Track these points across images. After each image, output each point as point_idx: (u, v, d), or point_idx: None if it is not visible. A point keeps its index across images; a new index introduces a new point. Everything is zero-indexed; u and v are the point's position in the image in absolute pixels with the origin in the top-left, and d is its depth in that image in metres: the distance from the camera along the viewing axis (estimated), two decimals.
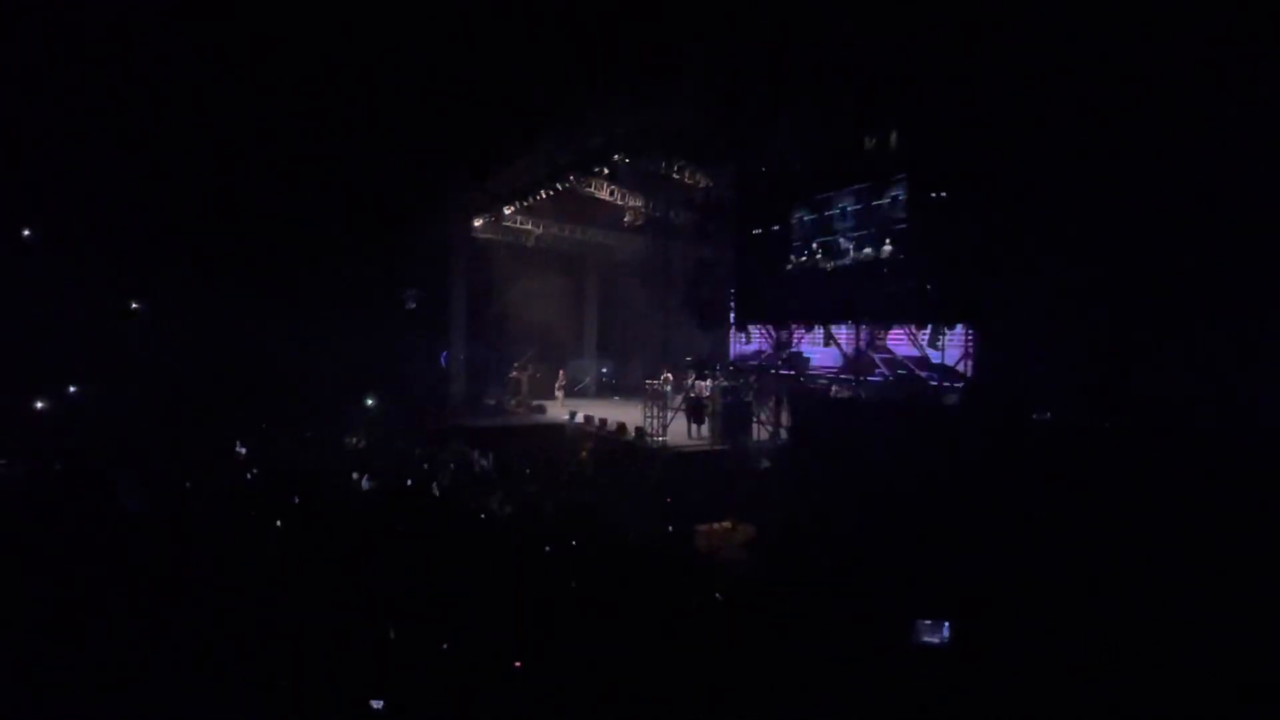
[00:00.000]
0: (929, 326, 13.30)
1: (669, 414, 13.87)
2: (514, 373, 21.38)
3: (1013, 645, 4.59)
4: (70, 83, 18.53)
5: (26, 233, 19.55)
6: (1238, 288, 8.37)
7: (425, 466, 12.97)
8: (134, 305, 21.11)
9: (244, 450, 15.07)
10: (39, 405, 18.87)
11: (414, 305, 22.06)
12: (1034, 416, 9.50)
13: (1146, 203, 8.82)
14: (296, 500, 9.83)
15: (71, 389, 19.91)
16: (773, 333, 15.64)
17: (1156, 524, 6.76)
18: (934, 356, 12.99)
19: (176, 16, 17.51)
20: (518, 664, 4.60)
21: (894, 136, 11.85)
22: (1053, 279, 9.72)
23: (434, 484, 11.75)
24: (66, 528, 7.44)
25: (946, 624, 4.54)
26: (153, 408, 19.63)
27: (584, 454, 13.57)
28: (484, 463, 13.51)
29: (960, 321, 12.35)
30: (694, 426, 13.94)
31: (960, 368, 12.23)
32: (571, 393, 21.52)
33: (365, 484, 11.22)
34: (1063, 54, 9.17)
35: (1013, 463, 8.66)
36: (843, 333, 14.43)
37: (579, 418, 16.61)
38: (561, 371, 21.38)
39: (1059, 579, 5.96)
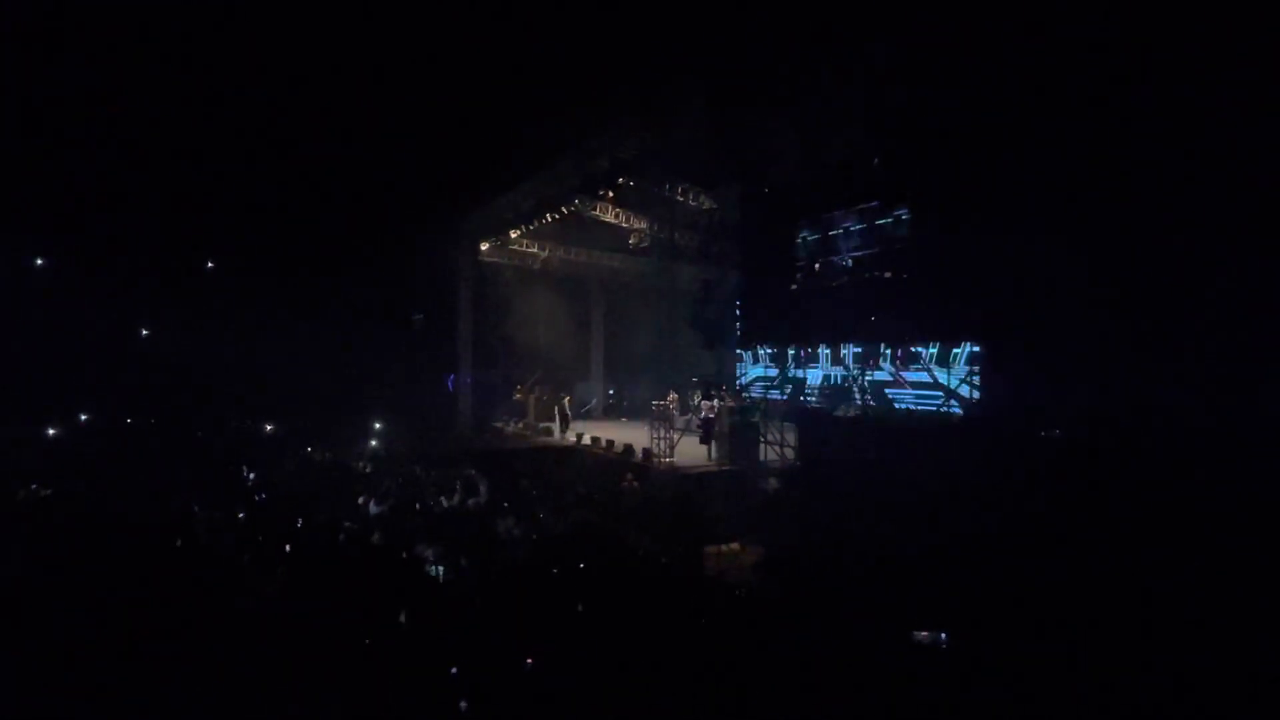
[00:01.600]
0: (935, 346, 13.29)
1: (675, 435, 13.85)
2: (517, 395, 21.41)
3: (1024, 661, 4.55)
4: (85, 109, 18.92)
5: (40, 262, 19.83)
6: (1247, 303, 8.35)
7: (432, 490, 12.99)
8: (144, 332, 21.30)
9: (252, 475, 15.14)
10: (51, 432, 19.02)
11: (419, 317, 22.15)
12: (1043, 434, 9.45)
13: (1154, 218, 8.83)
14: (301, 523, 9.87)
15: (83, 416, 20.07)
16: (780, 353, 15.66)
17: (1166, 540, 6.70)
18: (940, 376, 12.98)
19: (195, 47, 17.91)
20: (529, 660, 4.59)
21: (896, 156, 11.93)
22: (1059, 296, 9.71)
23: (439, 507, 11.76)
24: (80, 551, 7.50)
25: (943, 635, 4.52)
26: (162, 433, 19.78)
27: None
28: (490, 485, 13.50)
29: (966, 340, 12.33)
30: (708, 447, 13.89)
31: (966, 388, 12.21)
32: (578, 414, 21.49)
33: (373, 508, 11.23)
34: (1063, 70, 9.25)
35: (1022, 481, 8.60)
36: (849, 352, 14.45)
37: (585, 439, 16.61)
38: (569, 398, 21.37)
39: (1069, 596, 5.91)
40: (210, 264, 22.74)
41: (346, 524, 9.88)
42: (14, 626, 5.23)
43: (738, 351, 17.35)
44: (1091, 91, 9.13)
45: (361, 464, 17.15)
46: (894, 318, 12.13)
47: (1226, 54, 8.15)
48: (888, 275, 12.18)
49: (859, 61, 11.33)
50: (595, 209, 17.63)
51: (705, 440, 14.01)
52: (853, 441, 11.87)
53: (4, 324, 18.65)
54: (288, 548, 8.80)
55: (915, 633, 4.65)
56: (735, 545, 10.22)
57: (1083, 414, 9.25)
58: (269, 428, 21.81)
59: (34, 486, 12.61)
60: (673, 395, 16.38)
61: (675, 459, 13.31)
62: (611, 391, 24.65)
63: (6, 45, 16.84)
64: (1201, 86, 8.34)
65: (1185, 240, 8.63)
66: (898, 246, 12.10)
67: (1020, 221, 10.00)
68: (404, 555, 8.35)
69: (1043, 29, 9.38)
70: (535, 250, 21.46)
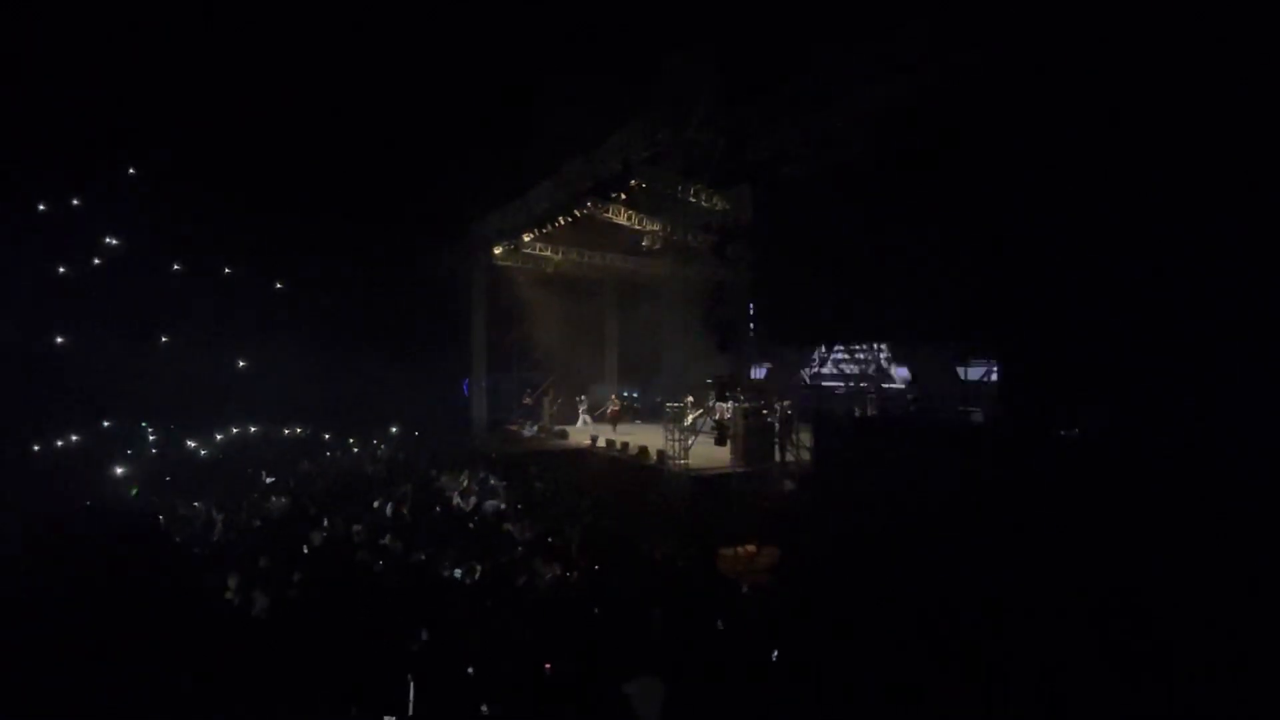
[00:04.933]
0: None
1: (690, 437, 13.80)
2: (527, 399, 21.46)
3: (1042, 662, 4.48)
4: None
5: (62, 269, 20.12)
6: (1266, 304, 8.19)
7: (446, 494, 13.03)
8: (163, 339, 21.55)
9: (271, 479, 15.27)
10: (75, 439, 19.29)
11: None
12: (1062, 433, 9.33)
13: (1174, 217, 8.70)
14: (325, 522, 9.93)
15: (105, 423, 20.33)
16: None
17: (1187, 540, 6.58)
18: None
19: (206, 49, 18.13)
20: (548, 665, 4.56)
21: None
22: (1077, 297, 9.59)
23: (456, 511, 11.77)
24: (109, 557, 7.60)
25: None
26: (180, 440, 20.01)
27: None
28: (505, 488, 13.51)
29: (984, 339, 12.21)
30: (726, 448, 13.81)
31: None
32: (593, 416, 21.46)
33: (388, 510, 11.26)
34: (1077, 75, 9.15)
35: (1041, 480, 8.49)
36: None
37: (600, 442, 16.60)
38: (584, 396, 21.38)
39: (1089, 596, 5.82)
40: (227, 270, 22.97)
41: (357, 527, 9.92)
42: (34, 632, 5.29)
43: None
44: (1106, 98, 9.01)
45: (378, 467, 17.25)
46: (912, 317, 12.05)
47: (1238, 64, 8.01)
48: (903, 276, 12.09)
49: (869, 57, 11.24)
50: (608, 211, 17.62)
51: (721, 441, 13.95)
52: (870, 441, 11.79)
53: (25, 333, 18.94)
54: (305, 549, 8.85)
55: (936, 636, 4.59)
56: (751, 547, 10.14)
57: (1103, 412, 9.12)
58: (285, 432, 22.01)
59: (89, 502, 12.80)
60: (688, 397, 16.32)
61: (690, 460, 13.26)
62: (626, 393, 24.60)
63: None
64: (1213, 93, 8.20)
65: (1202, 241, 8.49)
66: (916, 246, 12.00)
67: (1038, 219, 9.89)
68: (421, 558, 8.37)
69: (1061, 26, 9.28)
70: (548, 253, 21.44)
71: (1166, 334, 8.76)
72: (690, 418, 15.22)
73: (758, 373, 17.40)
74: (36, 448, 18.14)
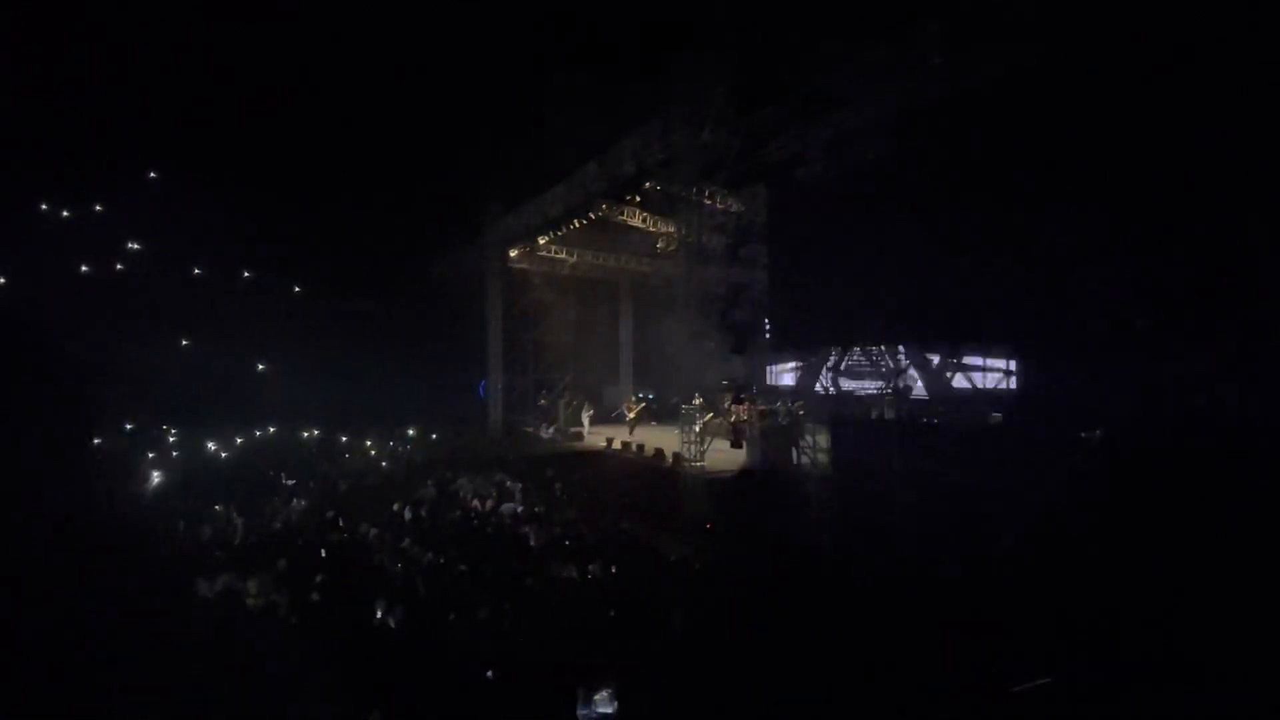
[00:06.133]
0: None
1: (707, 439, 13.77)
2: (542, 401, 21.52)
3: (1061, 667, 4.44)
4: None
5: (84, 269, 20.44)
6: None
7: (463, 496, 13.10)
8: (184, 342, 21.84)
9: (291, 482, 15.41)
10: (98, 442, 19.54)
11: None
12: (1082, 435, 9.22)
13: (1195, 211, 8.57)
14: (341, 523, 10.04)
15: (128, 426, 20.59)
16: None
17: (1214, 543, 6.48)
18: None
19: (224, 55, 18.34)
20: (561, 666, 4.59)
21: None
22: (1095, 293, 9.47)
23: (475, 513, 11.85)
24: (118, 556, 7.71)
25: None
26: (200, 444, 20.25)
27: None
28: (523, 491, 13.57)
29: (1003, 340, 12.08)
30: (741, 450, 13.78)
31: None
32: (608, 419, 21.45)
33: (407, 514, 11.35)
34: (1084, 66, 9.04)
35: (1062, 482, 8.40)
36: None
37: (616, 444, 16.62)
38: (587, 402, 21.38)
39: (1111, 601, 5.76)
40: (246, 274, 23.24)
41: (375, 530, 10.01)
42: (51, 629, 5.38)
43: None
44: (1119, 97, 8.89)
45: (396, 469, 17.39)
46: (926, 318, 11.93)
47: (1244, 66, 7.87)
48: (920, 277, 11.98)
49: (885, 58, 11.17)
50: (622, 213, 17.65)
51: (737, 444, 13.92)
52: (886, 444, 11.71)
53: (50, 333, 19.23)
54: (323, 553, 8.94)
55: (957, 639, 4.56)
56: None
57: (1124, 412, 8.99)
58: (304, 435, 22.21)
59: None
60: (701, 399, 16.29)
61: (706, 463, 13.24)
62: (641, 395, 24.58)
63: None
64: (1221, 92, 8.07)
65: (1228, 232, 8.36)
66: (930, 246, 11.89)
67: (1053, 216, 9.79)
68: (440, 561, 8.43)
69: (1074, 27, 9.18)
70: (563, 256, 21.52)
71: (1194, 329, 8.63)
72: (704, 419, 15.20)
73: (774, 374, 17.35)
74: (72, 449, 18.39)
